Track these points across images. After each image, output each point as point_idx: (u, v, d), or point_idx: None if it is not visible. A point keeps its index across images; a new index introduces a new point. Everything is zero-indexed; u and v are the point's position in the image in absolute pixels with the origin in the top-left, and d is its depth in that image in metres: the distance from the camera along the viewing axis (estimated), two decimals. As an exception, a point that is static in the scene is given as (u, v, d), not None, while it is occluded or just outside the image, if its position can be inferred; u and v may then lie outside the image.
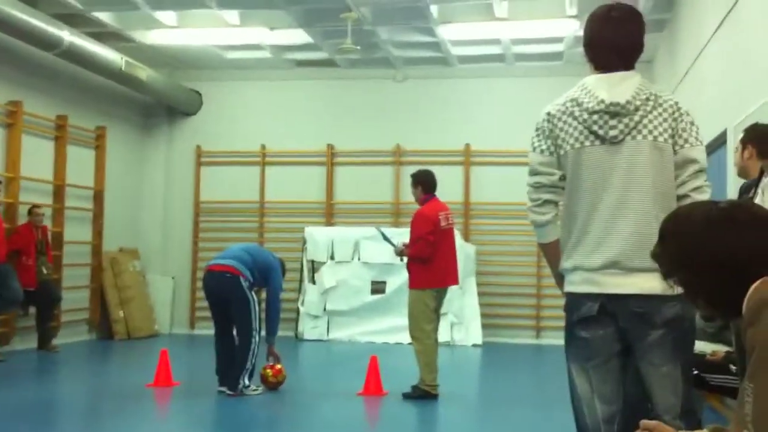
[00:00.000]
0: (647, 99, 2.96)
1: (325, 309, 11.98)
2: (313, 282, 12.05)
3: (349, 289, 11.88)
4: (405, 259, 7.42)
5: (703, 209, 2.03)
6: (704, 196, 2.94)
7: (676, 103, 3.01)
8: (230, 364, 7.21)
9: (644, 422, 2.06)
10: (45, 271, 10.10)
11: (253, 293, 7.21)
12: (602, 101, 2.95)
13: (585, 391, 2.97)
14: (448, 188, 11.32)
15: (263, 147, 13.13)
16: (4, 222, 9.51)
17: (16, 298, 9.30)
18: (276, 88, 13.19)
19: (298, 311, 12.09)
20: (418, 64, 12.71)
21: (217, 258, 7.38)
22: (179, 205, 13.31)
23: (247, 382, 7.18)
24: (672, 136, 2.96)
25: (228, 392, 7.13)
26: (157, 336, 12.39)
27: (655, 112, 2.95)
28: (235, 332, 7.26)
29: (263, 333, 7.33)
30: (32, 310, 10.20)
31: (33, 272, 9.78)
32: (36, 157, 10.57)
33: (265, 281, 7.37)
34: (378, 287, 11.83)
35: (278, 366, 7.48)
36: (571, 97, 3.04)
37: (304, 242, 12.16)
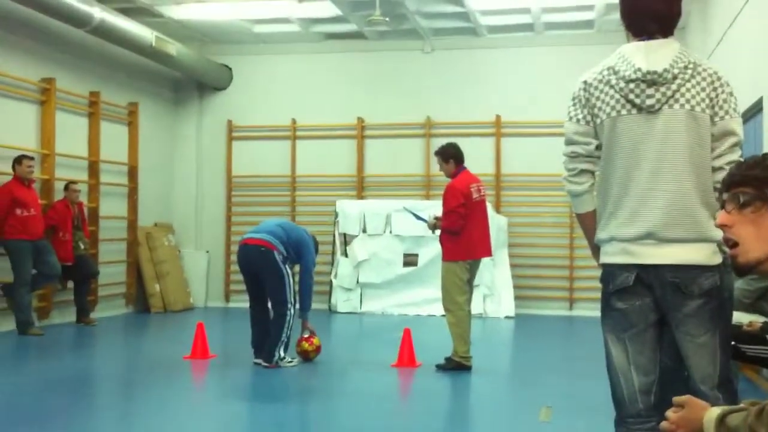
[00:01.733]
0: (685, 67, 2.91)
1: (357, 282, 12.04)
2: (346, 255, 12.11)
3: (381, 262, 11.93)
4: (438, 231, 7.43)
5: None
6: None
7: (716, 73, 2.96)
8: (265, 336, 7.31)
9: (676, 399, 2.06)
10: (82, 246, 10.26)
11: (287, 267, 7.26)
12: (639, 69, 2.91)
13: (621, 362, 2.97)
14: (479, 160, 11.30)
15: (294, 121, 13.16)
16: (40, 198, 9.65)
17: (54, 273, 9.48)
18: (305, 61, 13.19)
19: (331, 284, 12.17)
20: (447, 35, 12.62)
21: (252, 232, 7.43)
22: (211, 180, 13.41)
23: (282, 354, 7.27)
24: (710, 107, 2.92)
25: (264, 364, 7.23)
26: (192, 309, 12.55)
27: (693, 81, 2.91)
28: (270, 305, 7.34)
29: (297, 306, 7.40)
30: (70, 284, 10.40)
31: (70, 247, 9.94)
32: (70, 134, 10.70)
33: (298, 257, 7.42)
34: (410, 259, 11.86)
35: (314, 339, 7.57)
36: (608, 66, 3.00)
37: (336, 215, 12.21)
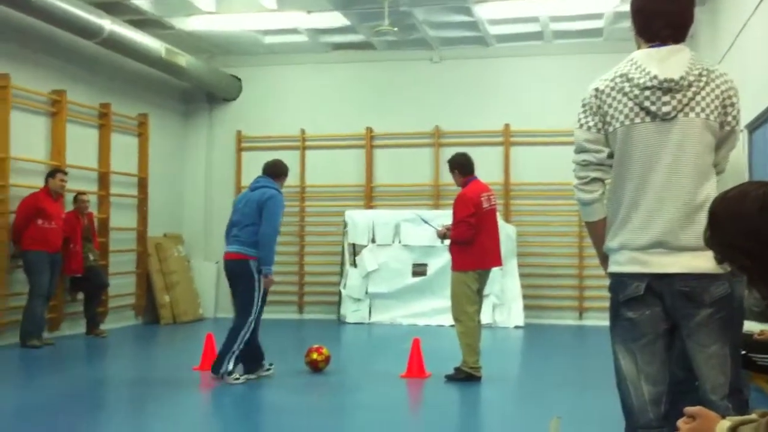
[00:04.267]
0: (700, 75, 2.90)
1: (366, 292, 12.02)
2: (355, 265, 12.10)
3: (390, 272, 11.91)
4: (447, 241, 7.41)
5: (756, 191, 1.98)
6: (722, 176, 2.95)
7: (728, 81, 2.95)
8: (256, 350, 7.24)
9: (687, 409, 2.04)
10: (92, 258, 10.28)
11: (260, 279, 7.00)
12: (655, 77, 2.89)
13: (631, 372, 2.95)
14: (488, 169, 11.28)
15: (303, 131, 13.18)
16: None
17: (48, 294, 9.35)
18: (314, 71, 13.22)
19: (340, 294, 12.16)
20: (456, 45, 12.64)
21: (229, 242, 7.19)
22: (221, 191, 13.43)
23: (230, 367, 6.96)
24: (722, 114, 2.92)
25: (211, 375, 7.04)
26: (202, 320, 12.56)
27: (708, 88, 2.90)
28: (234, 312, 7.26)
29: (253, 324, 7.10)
30: (80, 296, 10.41)
31: (80, 259, 9.97)
32: (80, 146, 10.74)
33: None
34: (419, 269, 11.84)
35: (323, 349, 7.55)
36: (620, 73, 2.97)
37: (345, 225, 12.21)
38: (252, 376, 7.25)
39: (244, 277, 7.01)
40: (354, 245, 12.15)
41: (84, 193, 10.37)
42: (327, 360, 7.57)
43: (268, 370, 7.39)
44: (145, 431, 5.72)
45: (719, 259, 2.03)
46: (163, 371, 8.06)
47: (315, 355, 7.51)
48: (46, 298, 9.36)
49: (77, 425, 5.75)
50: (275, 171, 7.51)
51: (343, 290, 12.12)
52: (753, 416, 1.98)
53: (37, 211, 9.15)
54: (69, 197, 10.27)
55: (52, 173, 9.46)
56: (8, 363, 8.44)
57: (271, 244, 7.00)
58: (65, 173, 9.63)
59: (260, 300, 7.03)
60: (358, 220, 12.16)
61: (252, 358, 7.26)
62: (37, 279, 9.13)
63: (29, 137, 9.84)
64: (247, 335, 6.99)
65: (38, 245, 9.12)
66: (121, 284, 11.62)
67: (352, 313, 12.02)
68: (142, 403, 6.76)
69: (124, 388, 7.50)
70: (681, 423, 2.05)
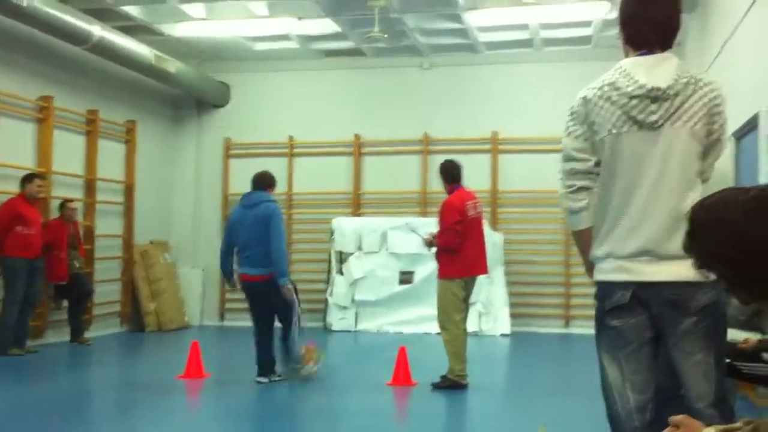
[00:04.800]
0: (687, 84, 2.89)
1: (353, 300, 11.98)
2: (341, 273, 12.06)
3: (376, 280, 11.88)
4: (434, 249, 7.40)
5: (736, 198, 1.95)
6: (707, 185, 2.95)
7: (715, 89, 2.94)
8: (270, 355, 7.45)
9: (672, 418, 2.02)
10: (77, 265, 10.21)
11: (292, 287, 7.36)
12: (642, 85, 2.89)
13: (616, 380, 2.93)
14: (476, 176, 11.27)
15: (291, 138, 13.15)
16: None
17: (32, 301, 9.24)
18: (304, 78, 13.20)
19: (326, 302, 12.11)
20: (445, 52, 12.65)
21: (247, 265, 7.37)
22: (209, 198, 13.38)
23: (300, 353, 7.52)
24: (709, 123, 2.92)
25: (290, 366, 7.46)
26: (187, 328, 12.48)
27: (695, 97, 2.89)
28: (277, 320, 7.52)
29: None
30: (65, 303, 10.33)
31: (65, 266, 9.89)
32: (67, 152, 10.68)
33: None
34: (406, 277, 11.82)
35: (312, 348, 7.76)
36: (608, 81, 2.97)
37: (332, 233, 12.17)
38: (264, 380, 7.33)
39: (276, 293, 7.22)
40: (341, 253, 12.11)
41: (72, 200, 10.30)
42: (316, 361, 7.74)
43: (280, 376, 7.50)
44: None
45: (699, 266, 2.01)
46: (148, 379, 7.99)
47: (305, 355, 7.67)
48: (31, 306, 9.28)
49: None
50: (267, 182, 7.73)
51: (329, 298, 12.08)
52: (738, 424, 1.96)
53: (14, 217, 9.05)
54: (55, 204, 10.21)
55: (29, 178, 9.29)
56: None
57: (284, 258, 7.30)
58: (42, 178, 9.53)
59: (297, 309, 7.41)
60: (346, 227, 12.13)
61: (267, 363, 7.42)
62: (13, 286, 9.02)
63: (16, 143, 9.78)
64: (297, 331, 7.39)
65: (18, 252, 9.03)
66: (107, 292, 11.55)
67: (338, 320, 11.98)
68: (125, 412, 6.70)
69: (107, 396, 7.43)
70: (666, 432, 2.03)
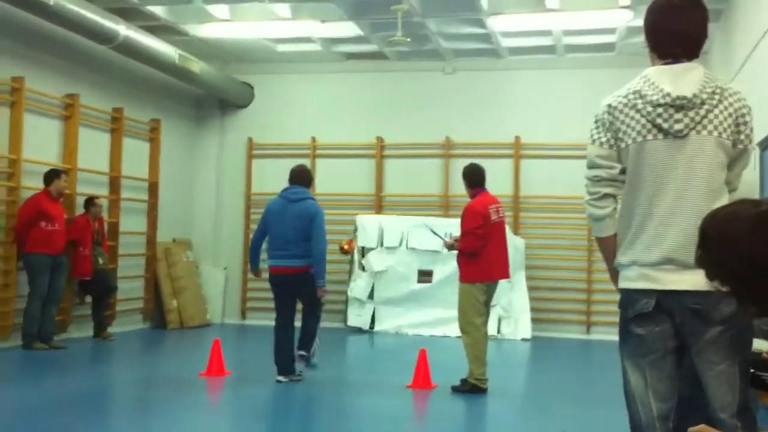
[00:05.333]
0: (713, 92, 2.89)
1: (371, 296, 11.95)
2: (363, 269, 12.07)
3: (396, 276, 11.87)
4: (454, 251, 7.41)
5: (747, 211, 1.93)
6: (734, 194, 2.94)
7: (741, 99, 2.94)
8: (291, 355, 7.48)
9: (691, 429, 2.02)
10: (101, 261, 10.31)
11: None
12: (668, 94, 2.89)
13: (639, 388, 2.94)
14: (498, 181, 11.26)
15: (314, 139, 13.21)
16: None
17: (55, 296, 9.31)
18: (326, 80, 13.26)
19: (346, 298, 12.12)
20: (468, 56, 12.65)
21: (283, 257, 7.40)
22: (231, 197, 13.47)
23: (315, 360, 7.61)
24: (735, 132, 2.91)
25: (300, 352, 7.48)
26: (209, 325, 12.57)
27: (720, 107, 2.89)
28: (303, 311, 7.62)
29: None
30: (88, 299, 10.44)
31: (89, 262, 10.00)
32: (92, 149, 10.79)
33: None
34: (424, 277, 11.80)
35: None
36: (633, 89, 2.97)
37: (356, 229, 12.19)
38: (284, 379, 7.37)
39: (311, 285, 7.35)
40: (363, 248, 12.14)
41: (98, 197, 10.42)
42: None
43: (299, 375, 7.56)
44: (151, 436, 5.72)
45: (709, 278, 2.00)
46: (170, 376, 8.07)
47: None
48: (55, 302, 9.37)
49: (80, 428, 5.75)
50: (307, 179, 7.78)
51: (349, 293, 12.08)
52: (765, 432, 1.96)
53: (40, 213, 9.14)
54: (79, 200, 10.32)
55: (55, 174, 9.38)
56: (13, 364, 8.47)
57: (325, 258, 7.47)
58: (67, 174, 9.65)
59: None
60: (368, 224, 12.16)
61: (286, 362, 7.47)
62: (36, 281, 9.12)
63: (42, 140, 9.89)
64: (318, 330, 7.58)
65: (40, 247, 9.11)
66: (130, 288, 11.66)
67: (355, 317, 11.98)
68: (147, 408, 6.77)
69: (129, 392, 7.52)
70: (686, 442, 2.04)
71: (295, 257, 7.33)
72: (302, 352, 7.50)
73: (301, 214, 7.36)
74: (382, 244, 12.05)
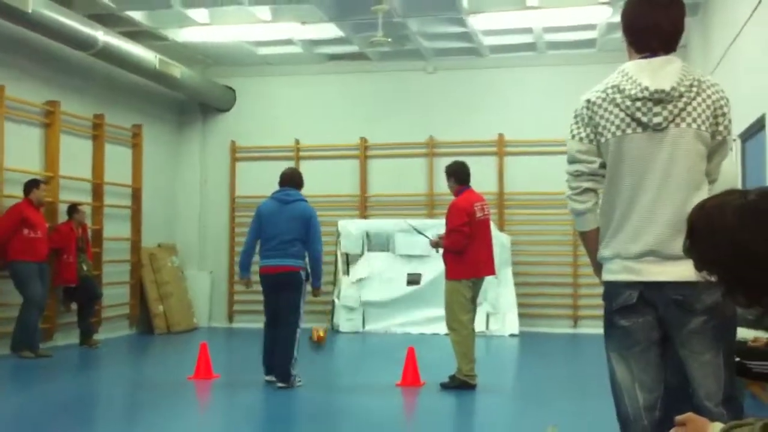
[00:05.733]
0: (691, 85, 2.92)
1: (360, 301, 12.00)
2: (348, 275, 12.09)
3: (384, 281, 11.91)
4: (441, 250, 7.43)
5: (735, 202, 1.94)
6: (714, 185, 2.97)
7: (719, 91, 2.97)
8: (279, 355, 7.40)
9: (677, 418, 2.04)
10: (85, 268, 10.27)
11: (306, 285, 7.40)
12: (646, 88, 2.91)
13: (625, 380, 2.96)
14: (482, 179, 11.26)
15: (297, 141, 13.20)
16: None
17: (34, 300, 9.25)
18: (308, 82, 13.26)
19: (333, 304, 12.14)
20: (449, 55, 12.69)
21: (275, 257, 7.35)
22: (215, 201, 13.44)
23: (293, 372, 7.29)
24: (714, 124, 2.94)
25: (279, 384, 7.22)
26: (196, 330, 12.53)
27: (699, 99, 2.92)
28: (283, 317, 7.39)
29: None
30: (74, 306, 10.39)
31: (74, 269, 9.96)
32: (74, 156, 10.74)
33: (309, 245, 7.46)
34: (413, 279, 11.85)
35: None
36: (611, 84, 3.00)
37: (338, 236, 12.20)
38: (273, 378, 7.33)
39: (297, 286, 7.32)
40: (347, 255, 12.15)
41: (81, 204, 10.37)
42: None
43: (299, 381, 7.45)
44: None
45: (698, 268, 2.02)
46: (158, 381, 8.04)
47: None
48: (39, 309, 9.33)
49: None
50: (299, 181, 7.75)
51: (336, 300, 12.11)
52: (750, 420, 1.98)
53: (23, 220, 9.11)
54: (62, 208, 10.26)
55: (34, 184, 9.35)
56: (1, 373, 8.42)
57: (321, 261, 7.53)
58: (46, 183, 9.64)
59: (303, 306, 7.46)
60: (352, 229, 12.16)
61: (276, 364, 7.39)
62: (30, 289, 9.09)
63: (23, 148, 9.84)
64: (299, 338, 7.33)
65: (25, 255, 9.08)
66: (115, 294, 11.61)
67: (346, 322, 12.00)
68: (136, 413, 6.75)
69: (117, 398, 7.48)
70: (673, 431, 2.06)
71: (290, 257, 7.31)
72: (282, 384, 7.20)
73: (296, 215, 7.36)
74: (367, 250, 12.08)
